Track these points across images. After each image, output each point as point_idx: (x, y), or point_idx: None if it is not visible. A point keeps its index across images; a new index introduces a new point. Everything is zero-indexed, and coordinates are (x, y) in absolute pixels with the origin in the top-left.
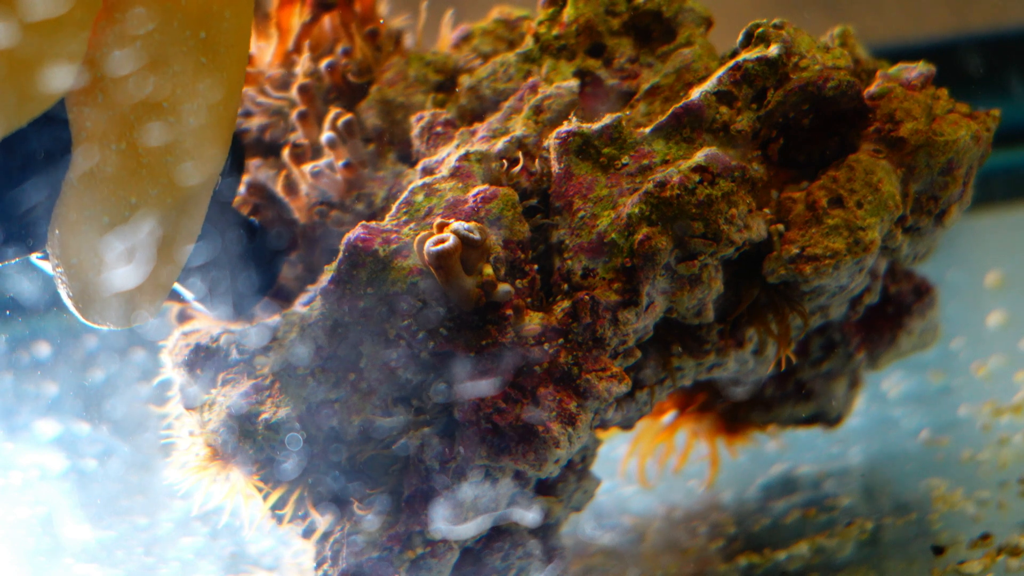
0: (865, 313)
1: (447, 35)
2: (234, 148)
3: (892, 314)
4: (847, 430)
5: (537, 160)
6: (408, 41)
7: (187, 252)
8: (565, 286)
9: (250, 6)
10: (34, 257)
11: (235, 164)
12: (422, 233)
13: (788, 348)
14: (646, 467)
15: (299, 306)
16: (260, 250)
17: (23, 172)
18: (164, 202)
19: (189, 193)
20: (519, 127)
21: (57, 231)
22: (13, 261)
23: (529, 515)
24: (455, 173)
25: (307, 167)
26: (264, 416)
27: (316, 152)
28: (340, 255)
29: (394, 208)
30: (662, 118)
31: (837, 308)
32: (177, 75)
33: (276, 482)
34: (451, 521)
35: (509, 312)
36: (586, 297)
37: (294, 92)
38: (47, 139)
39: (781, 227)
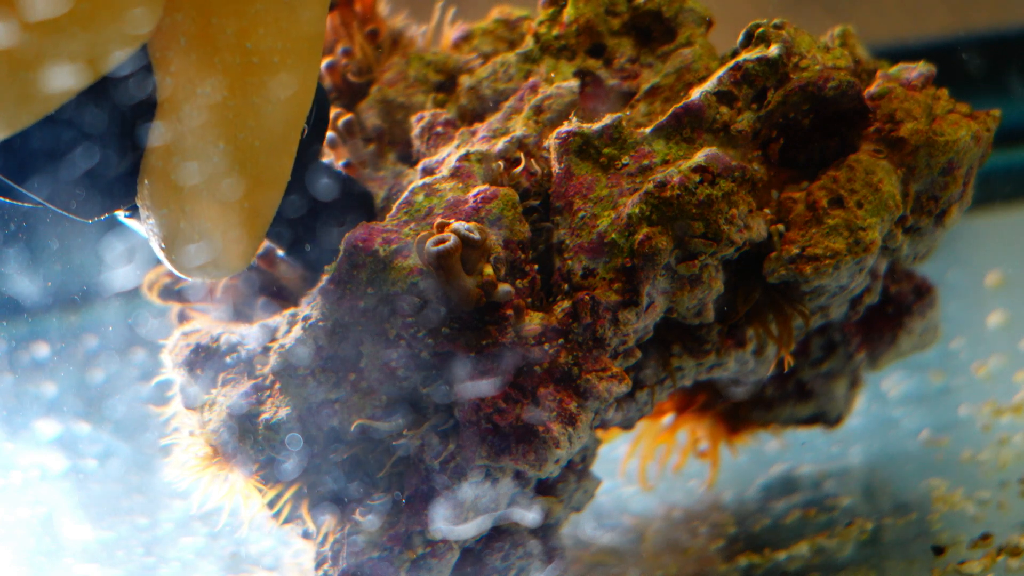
0: (865, 313)
1: (448, 35)
2: (318, 99)
3: (892, 314)
4: (847, 430)
5: (537, 160)
6: (417, 40)
7: (277, 200)
8: (565, 286)
9: None
10: (122, 215)
11: (319, 115)
12: (422, 233)
13: (789, 348)
14: (646, 468)
15: (300, 306)
16: (348, 202)
17: (110, 122)
18: (252, 146)
19: (276, 138)
20: (519, 127)
21: (146, 181)
22: (103, 217)
23: (529, 515)
24: (455, 173)
25: None
26: (264, 416)
27: None
28: (340, 255)
29: (394, 208)
30: (662, 118)
31: (837, 308)
32: (260, 14)
33: (276, 482)
34: (451, 521)
35: (509, 312)
36: (586, 297)
37: None
38: (132, 89)
39: (781, 227)
